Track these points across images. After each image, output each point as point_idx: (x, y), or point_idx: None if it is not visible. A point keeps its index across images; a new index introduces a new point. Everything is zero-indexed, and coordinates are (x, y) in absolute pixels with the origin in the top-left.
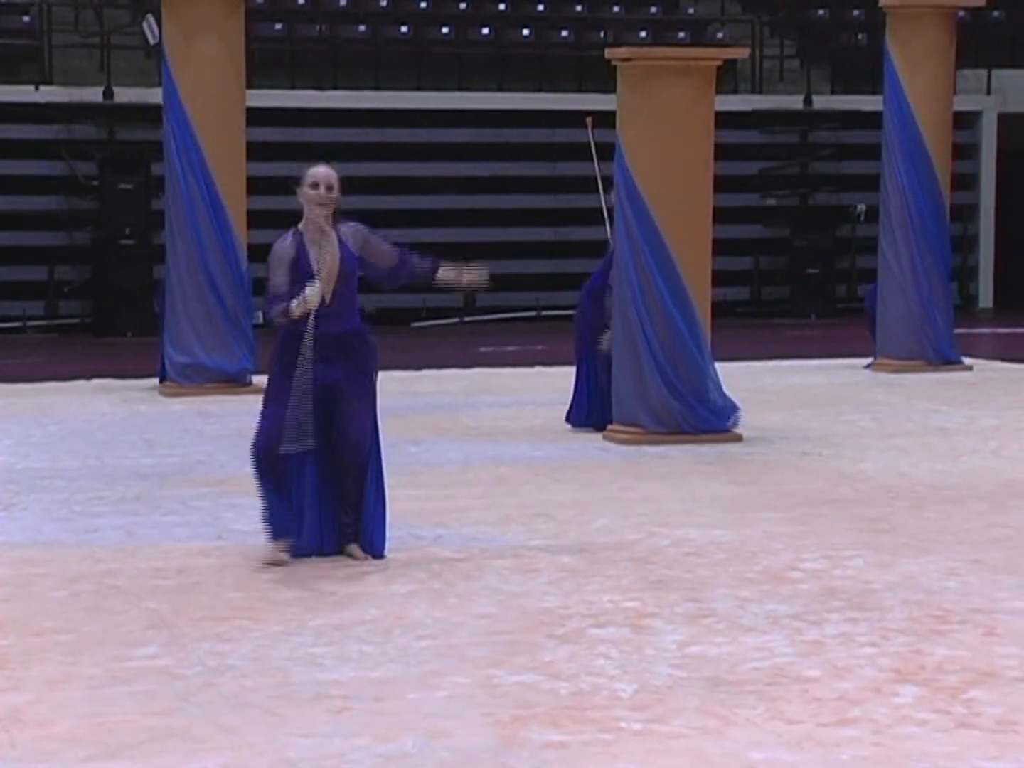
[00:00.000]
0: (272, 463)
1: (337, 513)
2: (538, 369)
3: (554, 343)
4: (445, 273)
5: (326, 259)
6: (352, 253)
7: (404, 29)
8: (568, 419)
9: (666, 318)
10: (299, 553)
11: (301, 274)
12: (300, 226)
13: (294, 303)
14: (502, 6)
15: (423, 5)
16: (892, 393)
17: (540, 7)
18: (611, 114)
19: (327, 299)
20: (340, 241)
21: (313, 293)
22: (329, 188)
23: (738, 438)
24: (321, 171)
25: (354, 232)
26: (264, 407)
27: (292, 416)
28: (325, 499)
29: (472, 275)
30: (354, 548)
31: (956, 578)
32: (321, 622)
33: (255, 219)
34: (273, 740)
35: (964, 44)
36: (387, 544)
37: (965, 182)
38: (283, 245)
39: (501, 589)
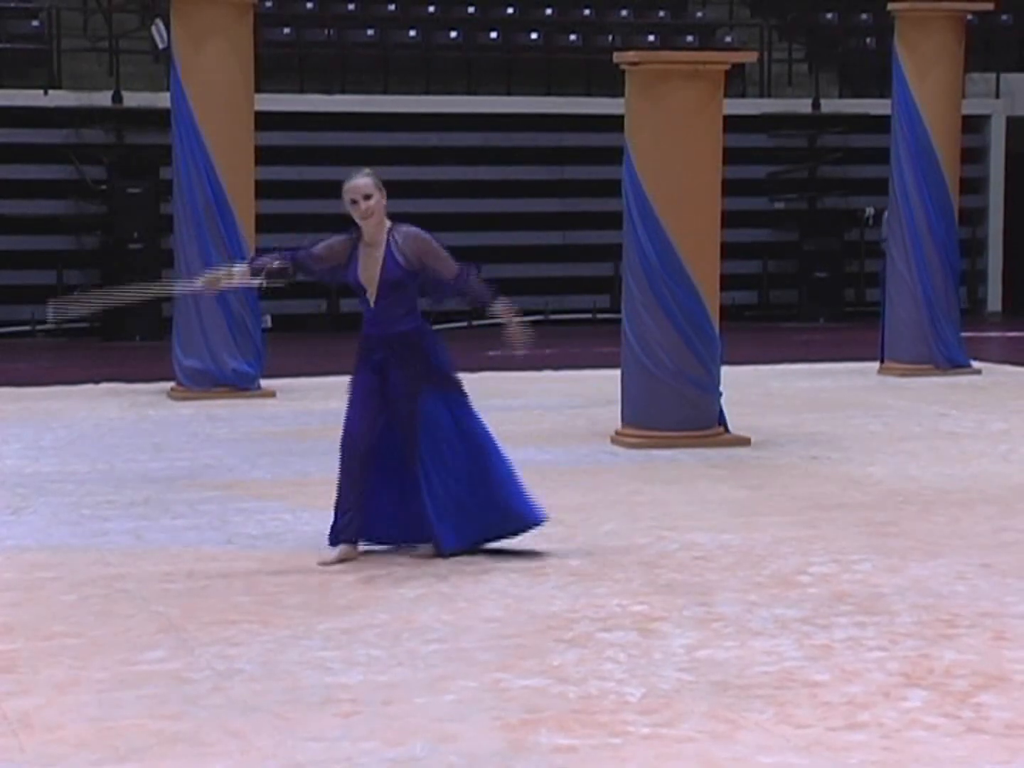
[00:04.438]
0: (355, 464)
1: (411, 504)
2: (546, 373)
3: (562, 347)
4: (500, 307)
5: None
6: (397, 262)
7: (412, 33)
8: None
9: (673, 321)
10: (370, 540)
11: (345, 277)
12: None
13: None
14: (510, 10)
15: (431, 9)
16: (901, 397)
17: (548, 11)
18: (619, 118)
19: (371, 303)
20: (388, 249)
21: (239, 272)
22: (367, 197)
23: (746, 441)
24: (350, 185)
25: (409, 238)
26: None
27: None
28: (402, 492)
29: (519, 328)
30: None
31: (965, 582)
32: (329, 626)
33: (263, 223)
34: (281, 744)
35: (973, 48)
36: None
37: (973, 186)
38: (345, 239)
39: (509, 593)
